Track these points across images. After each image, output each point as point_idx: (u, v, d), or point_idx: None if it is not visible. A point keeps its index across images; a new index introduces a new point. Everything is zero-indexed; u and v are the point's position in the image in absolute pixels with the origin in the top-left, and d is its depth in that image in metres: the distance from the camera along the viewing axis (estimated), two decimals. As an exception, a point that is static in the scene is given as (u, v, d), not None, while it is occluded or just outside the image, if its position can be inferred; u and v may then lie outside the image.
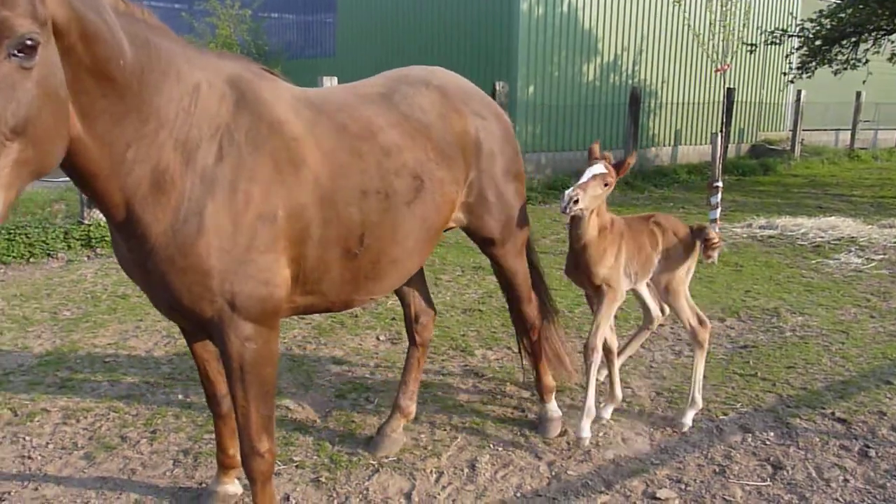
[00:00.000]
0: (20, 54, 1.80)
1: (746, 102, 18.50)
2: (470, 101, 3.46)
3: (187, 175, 2.41)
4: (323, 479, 3.53)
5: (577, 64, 14.96)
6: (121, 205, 2.38)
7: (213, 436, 3.86)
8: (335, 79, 10.17)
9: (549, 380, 4.08)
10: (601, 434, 4.00)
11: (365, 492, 3.43)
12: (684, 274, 4.06)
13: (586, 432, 3.85)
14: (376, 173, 2.90)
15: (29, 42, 1.80)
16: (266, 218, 2.53)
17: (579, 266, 3.82)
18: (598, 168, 3.63)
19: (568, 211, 3.49)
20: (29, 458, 3.76)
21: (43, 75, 1.88)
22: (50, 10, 1.89)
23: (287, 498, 3.36)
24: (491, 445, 3.88)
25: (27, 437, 3.97)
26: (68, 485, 3.50)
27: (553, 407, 4.06)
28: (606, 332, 3.93)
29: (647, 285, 4.20)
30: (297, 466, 3.65)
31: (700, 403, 4.09)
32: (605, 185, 3.63)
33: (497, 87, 11.45)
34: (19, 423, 4.14)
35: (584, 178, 3.59)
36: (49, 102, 1.91)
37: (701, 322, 4.08)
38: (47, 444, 3.91)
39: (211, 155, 2.45)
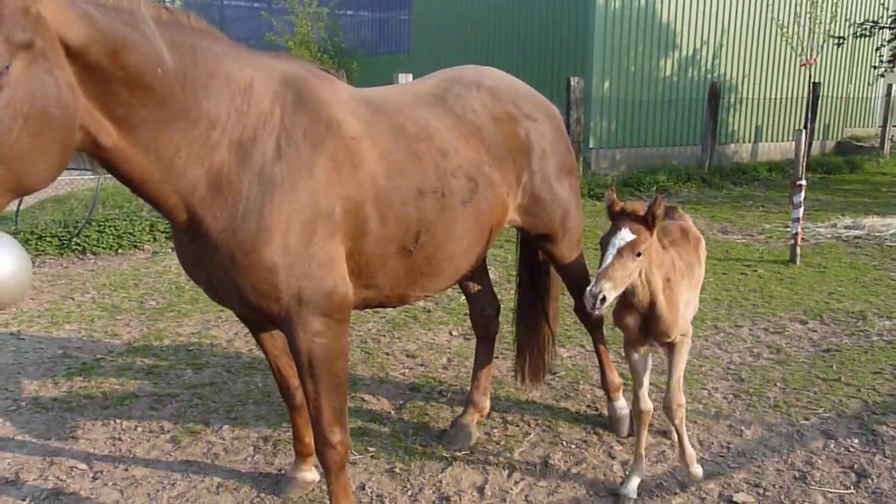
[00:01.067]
0: None
1: (832, 97, 17.79)
2: (521, 103, 3.45)
3: (244, 174, 2.47)
4: (397, 470, 3.59)
5: (655, 58, 14.68)
6: (179, 207, 2.45)
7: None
8: (410, 75, 10.26)
9: (614, 377, 4.04)
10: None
11: (438, 484, 3.48)
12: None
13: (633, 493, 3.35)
14: (433, 174, 2.94)
15: None
16: (324, 214, 2.58)
17: (649, 330, 3.19)
18: (624, 236, 2.89)
19: (598, 312, 2.88)
20: (119, 440, 3.95)
21: (15, 97, 1.89)
22: (48, 33, 1.94)
23: (363, 487, 3.44)
24: (563, 442, 3.88)
25: (118, 420, 4.17)
26: (156, 466, 3.67)
27: (621, 404, 4.02)
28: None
29: None
30: (372, 457, 3.73)
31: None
32: (638, 255, 2.91)
33: (572, 83, 11.35)
34: (110, 406, 4.36)
35: (606, 259, 2.89)
36: (26, 123, 1.91)
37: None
38: (136, 427, 4.10)
39: (268, 154, 2.50)
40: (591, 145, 13.91)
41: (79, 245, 8.34)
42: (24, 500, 3.36)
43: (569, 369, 4.89)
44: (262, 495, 3.39)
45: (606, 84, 14.14)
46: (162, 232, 8.83)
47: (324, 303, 2.61)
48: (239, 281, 2.53)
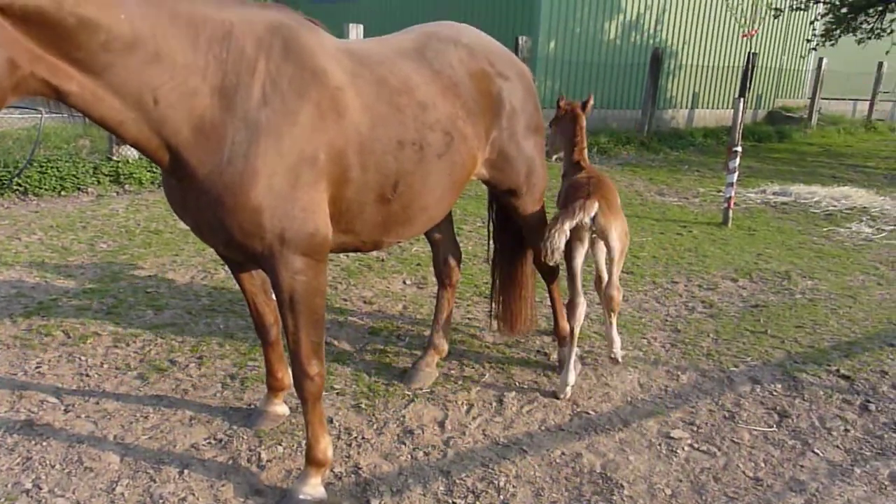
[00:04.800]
0: None
1: (766, 68, 18.44)
2: (495, 61, 3.60)
3: (228, 119, 2.56)
4: (363, 406, 3.81)
5: (600, 21, 14.93)
6: (162, 149, 2.55)
7: (258, 363, 4.16)
8: (361, 27, 10.23)
9: (565, 324, 4.31)
10: (618, 378, 4.27)
11: (402, 418, 3.71)
12: None
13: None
14: (413, 126, 3.09)
15: None
16: (308, 159, 2.71)
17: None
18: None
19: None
20: (87, 375, 4.04)
21: None
22: None
23: (331, 420, 3.64)
24: (517, 383, 4.15)
25: (82, 357, 4.25)
26: (126, 401, 3.78)
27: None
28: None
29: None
30: (337, 393, 3.93)
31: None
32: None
33: (520, 42, 11.49)
34: (73, 344, 4.42)
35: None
36: None
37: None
38: (101, 363, 4.18)
39: (252, 100, 2.60)
40: (536, 105, 14.11)
41: (20, 186, 8.15)
42: (-2, 429, 3.45)
43: (519, 318, 5.16)
44: (235, 427, 3.56)
45: (552, 44, 14.34)
46: (106, 175, 8.69)
47: (305, 243, 2.75)
48: (225, 221, 2.65)
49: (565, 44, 14.53)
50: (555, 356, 4.46)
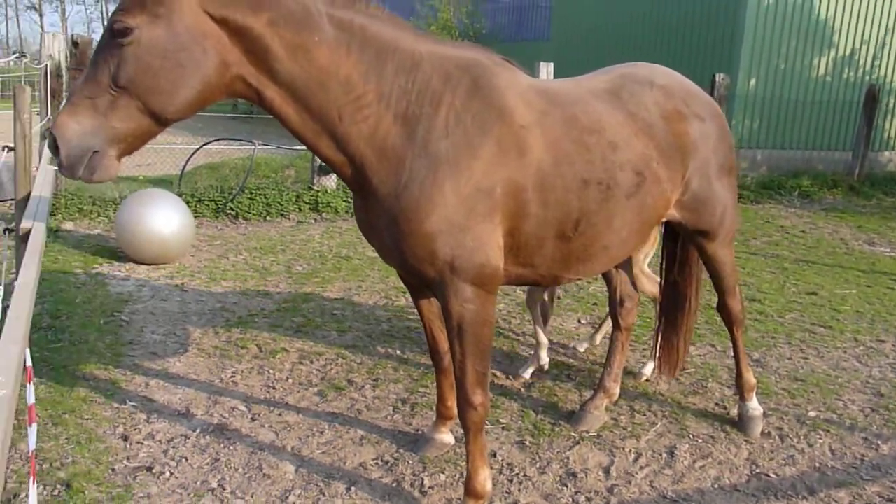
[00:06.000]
0: (118, 37, 2.38)
1: None
2: (691, 101, 3.51)
3: (408, 146, 2.71)
4: (527, 443, 3.78)
5: (808, 57, 14.00)
6: (345, 165, 2.77)
7: (428, 389, 4.27)
8: (552, 65, 10.34)
9: (750, 377, 4.05)
10: (806, 441, 3.92)
11: (566, 460, 3.64)
12: None
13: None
14: (601, 165, 3.06)
15: (118, 28, 2.38)
16: (485, 192, 2.77)
17: None
18: None
19: None
20: (273, 388, 4.34)
21: (143, 49, 2.38)
22: (176, 5, 2.39)
23: (494, 454, 3.65)
24: (690, 436, 3.94)
25: (271, 371, 4.58)
26: (305, 415, 4.02)
27: (754, 405, 4.03)
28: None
29: None
30: (503, 428, 3.93)
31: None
32: None
33: (717, 79, 11.07)
34: (264, 358, 4.78)
35: None
36: (152, 69, 2.39)
37: None
38: (287, 378, 4.48)
39: (434, 131, 2.72)
40: (731, 144, 13.48)
41: (232, 210, 8.99)
42: (194, 430, 3.78)
43: (698, 367, 4.90)
44: (402, 451, 3.66)
45: (752, 81, 13.65)
46: (306, 203, 9.37)
47: (475, 273, 2.81)
48: (400, 244, 2.79)
49: (767, 81, 13.77)
50: (734, 411, 4.18)
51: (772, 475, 3.60)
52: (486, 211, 2.78)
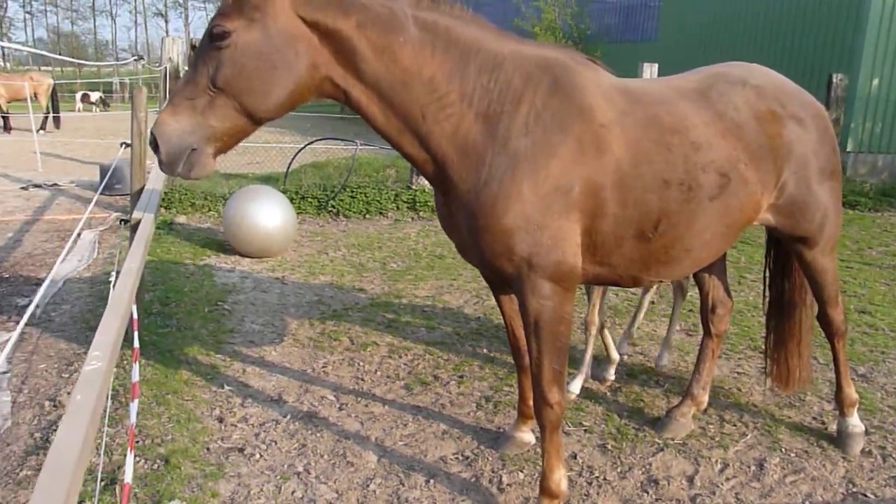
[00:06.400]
0: (216, 41, 2.53)
1: None
2: (786, 102, 3.36)
3: (489, 143, 2.75)
4: (609, 447, 3.74)
5: (939, 57, 13.12)
6: (428, 163, 2.83)
7: (512, 388, 4.28)
8: (656, 66, 10.12)
9: (851, 391, 3.85)
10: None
11: (648, 466, 3.57)
12: None
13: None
14: (682, 166, 2.99)
15: (217, 32, 2.52)
16: (562, 190, 2.77)
17: None
18: None
19: None
20: (362, 379, 4.47)
21: (239, 52, 2.52)
22: (271, 9, 2.52)
23: (574, 456, 3.63)
24: (783, 449, 3.78)
25: (360, 363, 4.71)
26: (391, 407, 4.12)
27: (855, 421, 3.83)
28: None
29: None
30: (585, 430, 3.90)
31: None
32: None
33: (834, 80, 10.51)
34: (355, 350, 4.92)
35: None
36: (246, 70, 2.53)
37: None
38: (376, 371, 4.60)
39: (514, 129, 2.75)
40: (849, 148, 12.81)
41: (334, 207, 9.28)
42: (285, 416, 3.95)
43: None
44: (482, 447, 3.70)
45: (875, 82, 12.90)
46: (404, 202, 9.55)
47: (552, 270, 2.82)
48: (479, 239, 2.83)
49: (892, 81, 12.98)
50: (833, 426, 3.98)
51: (870, 496, 3.42)
52: (563, 209, 2.79)
